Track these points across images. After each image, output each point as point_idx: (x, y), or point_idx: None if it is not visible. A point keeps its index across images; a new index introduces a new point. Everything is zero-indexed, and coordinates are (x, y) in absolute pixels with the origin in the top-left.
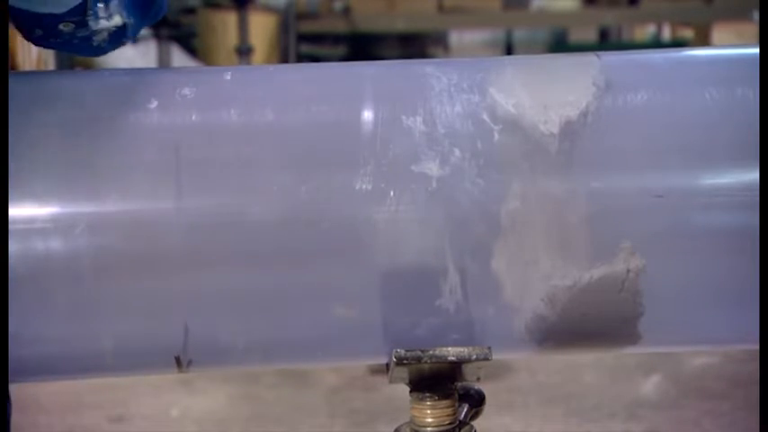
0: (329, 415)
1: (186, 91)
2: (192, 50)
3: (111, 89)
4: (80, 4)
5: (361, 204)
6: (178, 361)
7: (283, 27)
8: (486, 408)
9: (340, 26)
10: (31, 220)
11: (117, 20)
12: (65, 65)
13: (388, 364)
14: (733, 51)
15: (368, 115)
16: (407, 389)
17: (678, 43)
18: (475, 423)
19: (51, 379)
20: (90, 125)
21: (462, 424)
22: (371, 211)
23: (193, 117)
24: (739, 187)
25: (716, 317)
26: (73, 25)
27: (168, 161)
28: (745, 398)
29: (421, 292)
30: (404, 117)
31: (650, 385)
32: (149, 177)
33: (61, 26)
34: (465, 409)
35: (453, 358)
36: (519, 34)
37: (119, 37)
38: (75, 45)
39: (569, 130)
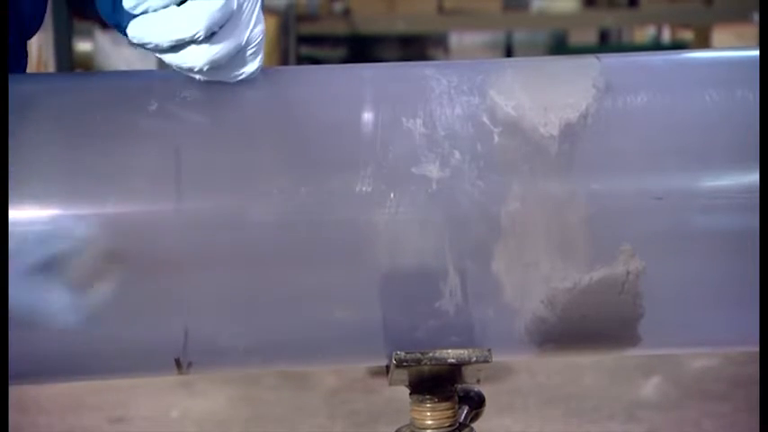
0: (329, 417)
1: (186, 93)
2: None
3: (111, 91)
4: None
5: (361, 206)
6: (178, 363)
7: (283, 29)
8: (486, 409)
9: (340, 28)
10: (31, 222)
11: None
12: (65, 66)
13: (388, 366)
14: (733, 53)
15: (368, 117)
16: (407, 391)
17: (678, 45)
18: (475, 425)
19: (51, 381)
20: (90, 127)
21: (462, 426)
22: (372, 213)
23: (193, 119)
24: (739, 189)
25: (716, 318)
26: None
27: (168, 163)
28: (745, 399)
29: (421, 293)
30: (404, 119)
31: (650, 387)
32: (149, 179)
33: None
34: (465, 411)
35: (453, 360)
36: (519, 36)
37: None
38: None
39: (569, 132)
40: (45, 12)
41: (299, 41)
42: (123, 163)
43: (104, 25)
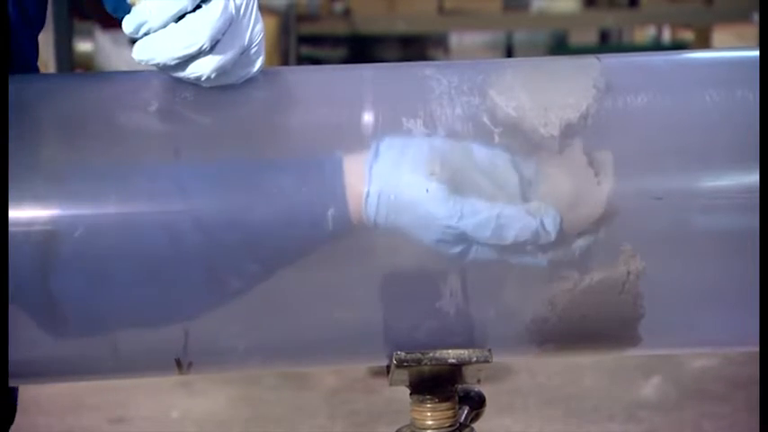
0: (329, 417)
1: (186, 93)
2: None
3: (111, 91)
4: None
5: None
6: (178, 363)
7: (284, 29)
8: (487, 409)
9: (340, 28)
10: (31, 222)
11: None
12: (65, 66)
13: (388, 367)
14: (733, 53)
15: (368, 117)
16: (408, 391)
17: (678, 45)
18: (475, 425)
19: (51, 381)
20: (90, 127)
21: (463, 426)
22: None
23: (193, 119)
24: (739, 189)
25: (716, 319)
26: None
27: (168, 163)
28: (745, 400)
29: (421, 294)
30: (404, 119)
31: (650, 387)
32: (149, 179)
33: None
34: (465, 411)
35: (453, 360)
36: (519, 36)
37: None
38: None
39: (569, 133)
40: (46, 10)
41: (299, 41)
42: (123, 163)
43: (105, 25)
